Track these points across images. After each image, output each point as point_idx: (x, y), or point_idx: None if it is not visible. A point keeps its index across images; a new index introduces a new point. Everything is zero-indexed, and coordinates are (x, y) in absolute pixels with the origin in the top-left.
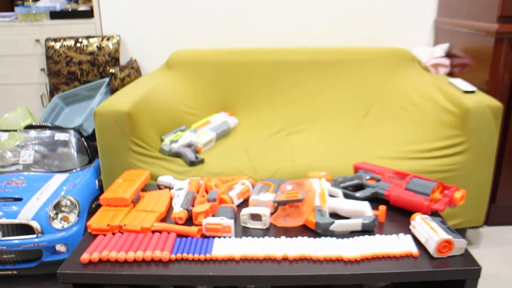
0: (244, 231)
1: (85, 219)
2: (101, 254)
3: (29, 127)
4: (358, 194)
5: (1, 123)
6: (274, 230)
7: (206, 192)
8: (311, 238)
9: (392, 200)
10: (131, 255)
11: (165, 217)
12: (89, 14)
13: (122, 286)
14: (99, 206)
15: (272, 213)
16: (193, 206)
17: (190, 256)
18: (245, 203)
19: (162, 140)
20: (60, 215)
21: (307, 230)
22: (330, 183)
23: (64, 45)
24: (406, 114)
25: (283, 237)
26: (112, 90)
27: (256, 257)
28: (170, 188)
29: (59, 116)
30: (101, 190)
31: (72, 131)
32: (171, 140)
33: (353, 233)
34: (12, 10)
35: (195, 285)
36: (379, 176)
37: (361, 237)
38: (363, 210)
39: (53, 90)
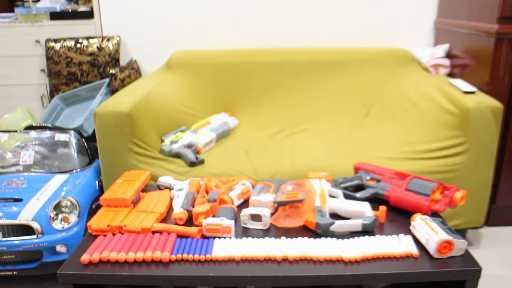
0: (244, 232)
1: (86, 220)
2: (101, 255)
3: (29, 127)
4: (358, 195)
5: (1, 123)
6: (274, 231)
7: (206, 192)
8: (311, 239)
9: (392, 200)
10: (131, 256)
11: (165, 218)
12: (89, 14)
13: (122, 287)
14: (99, 206)
15: (272, 214)
16: (193, 206)
17: (190, 256)
18: (245, 203)
19: (162, 141)
20: (60, 216)
21: (307, 231)
22: (330, 183)
23: (64, 46)
24: (406, 115)
25: (283, 238)
26: (112, 91)
27: (256, 257)
28: (170, 188)
29: (59, 116)
30: (101, 190)
31: (72, 132)
32: (171, 141)
33: (353, 234)
34: (12, 11)
35: (195, 286)
36: (379, 177)
37: (361, 237)
38: (363, 211)
39: (53, 91)
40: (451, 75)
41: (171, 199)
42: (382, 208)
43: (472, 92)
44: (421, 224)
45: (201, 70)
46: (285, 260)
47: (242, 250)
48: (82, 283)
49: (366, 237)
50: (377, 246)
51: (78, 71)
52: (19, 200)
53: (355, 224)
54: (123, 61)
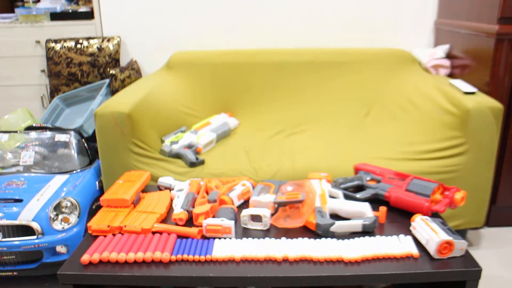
0: (244, 232)
1: (86, 220)
2: (101, 255)
3: (30, 128)
4: (358, 195)
5: (2, 124)
6: (274, 231)
7: (207, 193)
8: (312, 239)
9: (392, 201)
10: (131, 256)
11: (166, 218)
12: (89, 15)
13: (122, 287)
14: (99, 207)
15: (272, 214)
16: (193, 207)
17: (191, 257)
18: (245, 204)
19: (162, 141)
20: (60, 216)
21: (307, 231)
22: (331, 184)
23: (65, 46)
24: (407, 115)
25: (283, 238)
26: (113, 91)
27: (257, 258)
28: (170, 189)
29: (59, 117)
30: (101, 191)
31: (72, 132)
32: (171, 141)
33: (353, 234)
34: (13, 12)
35: (196, 286)
36: (380, 177)
37: (361, 238)
38: (364, 211)
39: (54, 91)
40: (451, 75)
41: (171, 200)
42: (382, 209)
43: (472, 93)
44: (421, 225)
45: (201, 71)
46: (285, 260)
47: (242, 251)
48: (82, 283)
49: (366, 237)
50: (377, 246)
51: (78, 72)
52: (19, 200)
53: (355, 224)
54: (123, 62)
